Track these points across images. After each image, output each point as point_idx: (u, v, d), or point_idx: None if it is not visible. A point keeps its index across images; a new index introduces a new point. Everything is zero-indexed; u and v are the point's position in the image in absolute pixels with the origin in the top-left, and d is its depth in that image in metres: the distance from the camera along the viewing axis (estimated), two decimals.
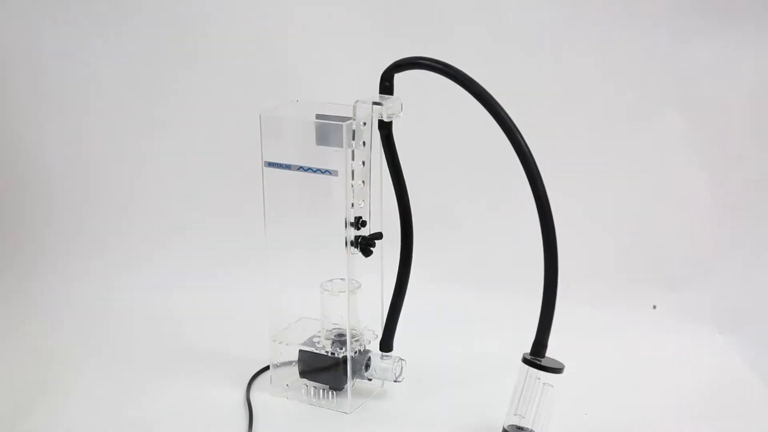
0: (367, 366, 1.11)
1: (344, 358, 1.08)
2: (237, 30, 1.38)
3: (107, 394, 1.14)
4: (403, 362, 1.10)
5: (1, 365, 1.20)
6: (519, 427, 1.00)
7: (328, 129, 1.00)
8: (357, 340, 1.09)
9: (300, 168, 1.03)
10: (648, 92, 1.36)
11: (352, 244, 1.05)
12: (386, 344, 1.09)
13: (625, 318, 1.30)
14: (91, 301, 1.34)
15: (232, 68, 1.38)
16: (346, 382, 1.09)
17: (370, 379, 1.12)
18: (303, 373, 1.11)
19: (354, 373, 1.09)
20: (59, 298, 1.34)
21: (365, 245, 1.05)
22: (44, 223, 1.39)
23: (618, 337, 1.27)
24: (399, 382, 1.10)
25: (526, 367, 1.00)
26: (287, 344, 1.12)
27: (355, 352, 1.09)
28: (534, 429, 1.00)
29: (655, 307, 1.31)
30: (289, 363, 1.13)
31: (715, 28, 1.30)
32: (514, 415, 1.01)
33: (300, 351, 1.11)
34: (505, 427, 1.01)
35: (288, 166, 1.04)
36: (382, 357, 1.10)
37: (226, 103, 1.38)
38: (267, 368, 1.15)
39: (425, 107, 1.01)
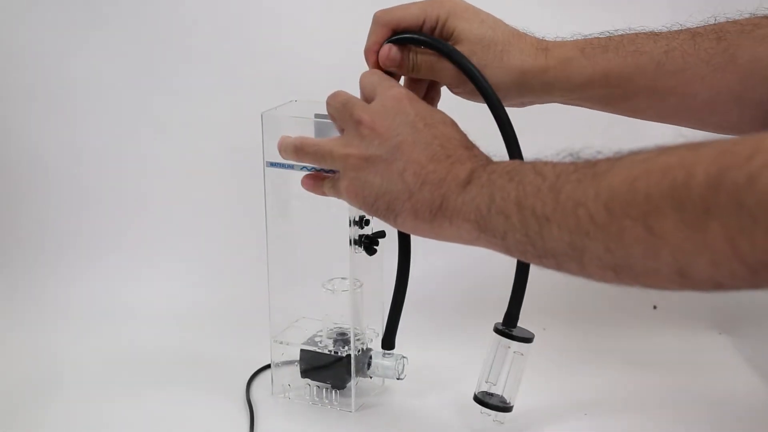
0: (369, 364, 1.11)
1: (347, 357, 1.09)
2: (236, 29, 1.38)
3: (106, 395, 1.13)
4: (405, 360, 1.10)
5: None
6: (489, 393, 1.03)
7: (329, 128, 1.00)
8: (359, 339, 1.10)
9: (303, 167, 1.03)
10: None
11: (355, 242, 1.05)
12: (388, 342, 1.09)
13: (625, 318, 1.30)
14: (89, 300, 1.34)
15: (232, 67, 1.38)
16: (348, 381, 1.09)
17: (371, 377, 1.12)
18: (305, 373, 1.11)
19: (357, 372, 1.09)
20: (57, 298, 1.34)
21: (369, 243, 1.05)
22: (41, 223, 1.39)
23: (618, 337, 1.27)
24: (401, 379, 1.11)
25: (498, 336, 1.02)
26: (288, 344, 1.13)
27: (359, 351, 1.09)
28: (504, 395, 1.02)
29: (655, 307, 1.31)
30: (290, 363, 1.13)
31: None
32: (485, 382, 1.03)
33: (301, 350, 1.11)
34: (476, 393, 1.03)
35: (291, 166, 1.05)
36: (384, 355, 1.10)
37: (226, 103, 1.38)
38: (266, 367, 1.15)
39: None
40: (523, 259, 0.82)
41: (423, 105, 0.91)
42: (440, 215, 0.84)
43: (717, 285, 0.66)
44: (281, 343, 1.13)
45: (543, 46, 1.01)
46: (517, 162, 0.82)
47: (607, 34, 1.03)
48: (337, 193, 0.94)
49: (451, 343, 1.25)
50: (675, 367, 1.20)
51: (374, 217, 0.93)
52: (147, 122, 1.39)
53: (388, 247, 1.07)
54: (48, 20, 1.36)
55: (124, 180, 1.39)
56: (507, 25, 1.01)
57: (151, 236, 1.39)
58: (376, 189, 0.88)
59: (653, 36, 1.01)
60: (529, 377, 1.16)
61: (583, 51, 1.01)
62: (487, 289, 1.33)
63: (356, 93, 0.97)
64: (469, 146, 0.88)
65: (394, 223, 0.88)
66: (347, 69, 0.98)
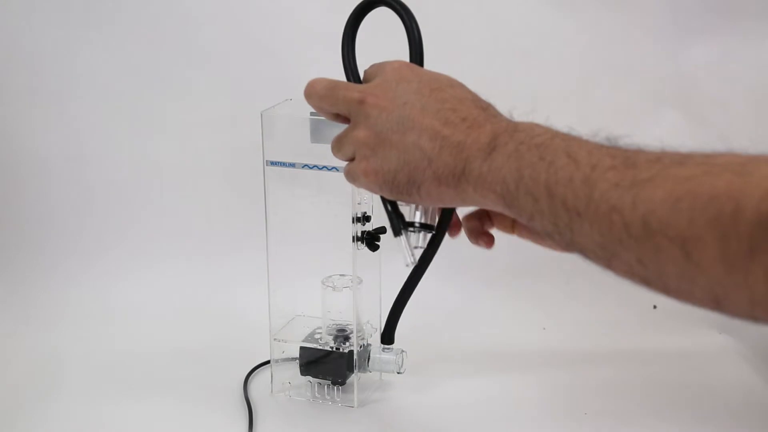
0: (368, 359, 1.11)
1: (348, 353, 1.09)
2: (236, 28, 1.38)
3: (105, 394, 1.13)
4: (405, 354, 1.10)
5: None
6: None
7: (325, 125, 1.00)
8: (359, 335, 1.10)
9: (304, 166, 1.03)
10: (648, 91, 1.36)
11: (358, 239, 1.05)
12: (388, 337, 1.09)
13: (625, 318, 1.30)
14: (89, 300, 1.34)
15: (231, 67, 1.39)
16: (348, 377, 1.09)
17: (370, 371, 1.12)
18: (305, 370, 1.11)
19: (358, 367, 1.10)
20: (56, 298, 1.34)
21: (371, 240, 1.05)
22: (41, 223, 1.39)
23: (618, 337, 1.27)
24: (401, 374, 1.11)
25: None
26: (287, 341, 1.13)
27: (360, 347, 1.09)
28: None
29: (655, 307, 1.31)
30: (290, 360, 1.13)
31: (715, 27, 1.30)
32: None
33: (301, 348, 1.11)
34: None
35: (291, 164, 1.05)
36: (383, 349, 1.10)
37: (226, 102, 1.38)
38: (264, 364, 1.15)
39: None
40: (548, 239, 0.76)
41: (424, 70, 0.87)
42: (464, 180, 0.79)
43: (754, 318, 0.62)
44: (281, 341, 1.13)
45: None
46: (546, 134, 0.76)
47: None
48: (356, 180, 0.88)
49: (451, 338, 1.25)
50: (675, 367, 1.20)
51: (398, 199, 0.88)
52: (147, 122, 1.39)
53: (388, 245, 1.07)
54: (48, 20, 1.36)
55: (123, 179, 1.39)
56: None
57: (151, 235, 1.39)
58: (394, 163, 0.83)
59: None
60: (529, 377, 1.17)
61: None
62: (489, 285, 1.34)
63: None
64: (484, 106, 0.83)
65: (418, 195, 0.83)
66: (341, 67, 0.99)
